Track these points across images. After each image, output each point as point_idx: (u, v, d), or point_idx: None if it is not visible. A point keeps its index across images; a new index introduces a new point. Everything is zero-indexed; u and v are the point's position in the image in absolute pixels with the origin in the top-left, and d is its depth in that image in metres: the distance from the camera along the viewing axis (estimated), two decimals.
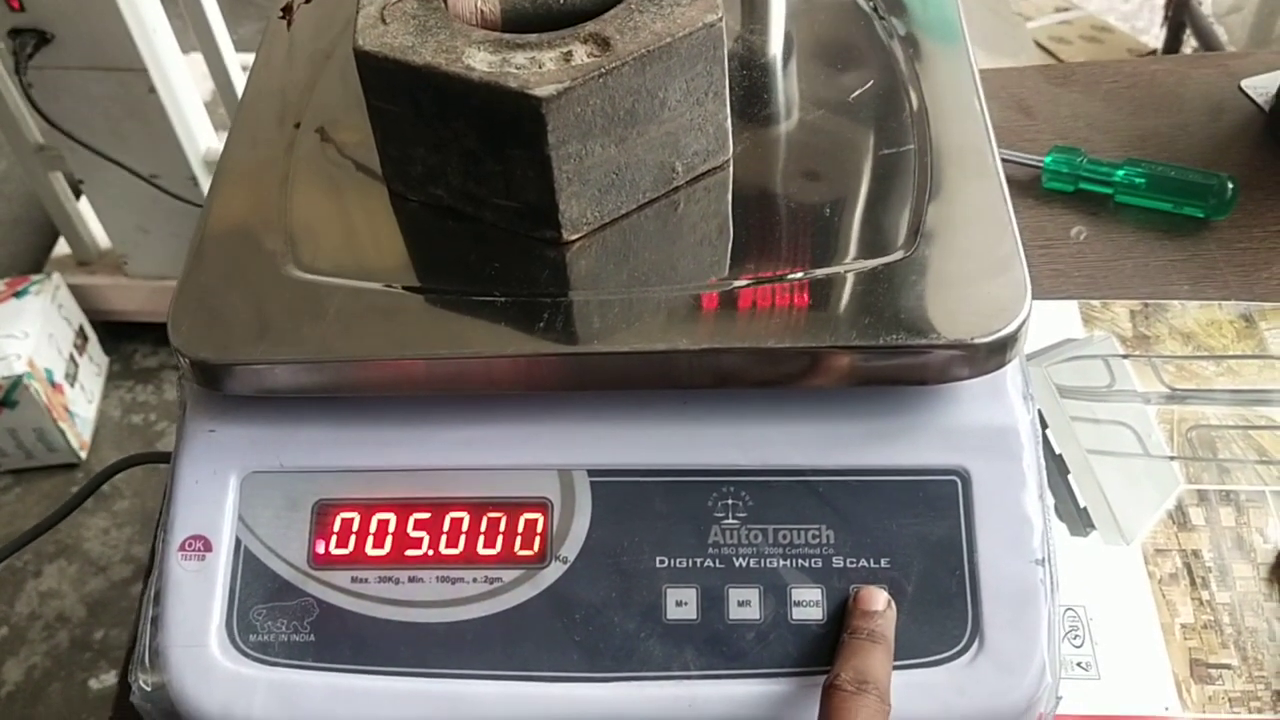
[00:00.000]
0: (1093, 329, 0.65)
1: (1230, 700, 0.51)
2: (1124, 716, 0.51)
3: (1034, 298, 0.47)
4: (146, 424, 1.74)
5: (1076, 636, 0.53)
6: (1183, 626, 0.53)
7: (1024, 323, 0.46)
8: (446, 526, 0.48)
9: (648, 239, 0.51)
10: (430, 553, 0.48)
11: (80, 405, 1.69)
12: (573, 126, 0.46)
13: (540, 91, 0.45)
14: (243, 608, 0.47)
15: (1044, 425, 0.61)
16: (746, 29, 0.59)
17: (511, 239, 0.50)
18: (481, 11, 0.50)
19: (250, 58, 1.78)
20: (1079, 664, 0.53)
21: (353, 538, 0.48)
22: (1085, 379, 0.62)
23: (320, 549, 0.48)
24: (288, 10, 0.55)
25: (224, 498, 0.48)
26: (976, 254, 0.48)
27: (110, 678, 1.48)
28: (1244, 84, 0.77)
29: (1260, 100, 0.76)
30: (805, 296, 0.47)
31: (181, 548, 0.48)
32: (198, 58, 1.53)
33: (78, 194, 1.70)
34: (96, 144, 1.49)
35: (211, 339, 0.48)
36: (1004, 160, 0.54)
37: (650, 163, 0.50)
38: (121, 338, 1.82)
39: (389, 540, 0.48)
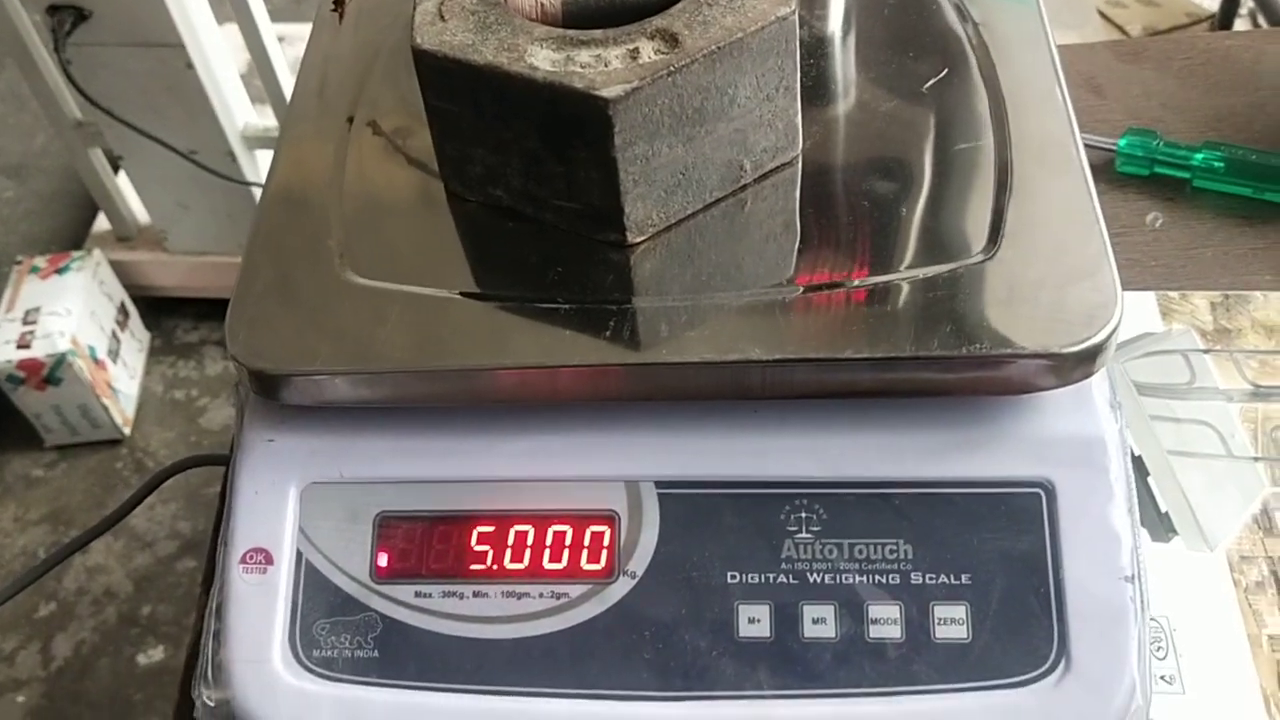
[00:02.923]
0: (1171, 322, 0.62)
1: None
2: None
3: (1114, 259, 0.45)
4: (189, 399, 1.74)
5: (1160, 649, 0.52)
6: (1270, 638, 0.52)
7: (1114, 330, 0.44)
8: (511, 540, 0.47)
9: (715, 240, 0.49)
10: (495, 567, 0.47)
11: (123, 381, 1.69)
12: (640, 127, 0.44)
13: (607, 92, 0.43)
14: (305, 622, 0.46)
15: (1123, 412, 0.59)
16: (813, 15, 0.57)
17: (574, 241, 0.49)
18: (542, 5, 0.48)
19: (286, 28, 1.76)
20: (1163, 677, 0.51)
21: (416, 550, 0.47)
22: (1165, 375, 0.60)
23: (383, 562, 0.47)
24: (339, 4, 0.53)
25: (284, 509, 0.47)
26: (1062, 255, 0.46)
27: (158, 653, 1.50)
28: None
29: None
30: (881, 303, 0.45)
31: (243, 560, 0.47)
32: (233, 28, 1.51)
33: (116, 169, 1.70)
34: (135, 120, 1.48)
35: (269, 348, 0.46)
36: None
37: (718, 161, 0.48)
38: (162, 313, 1.82)
39: (452, 554, 0.47)
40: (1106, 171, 0.69)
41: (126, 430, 1.68)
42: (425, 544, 0.47)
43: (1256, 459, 0.57)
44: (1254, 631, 0.52)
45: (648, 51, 0.44)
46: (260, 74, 1.54)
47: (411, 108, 0.51)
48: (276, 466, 0.48)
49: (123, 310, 1.73)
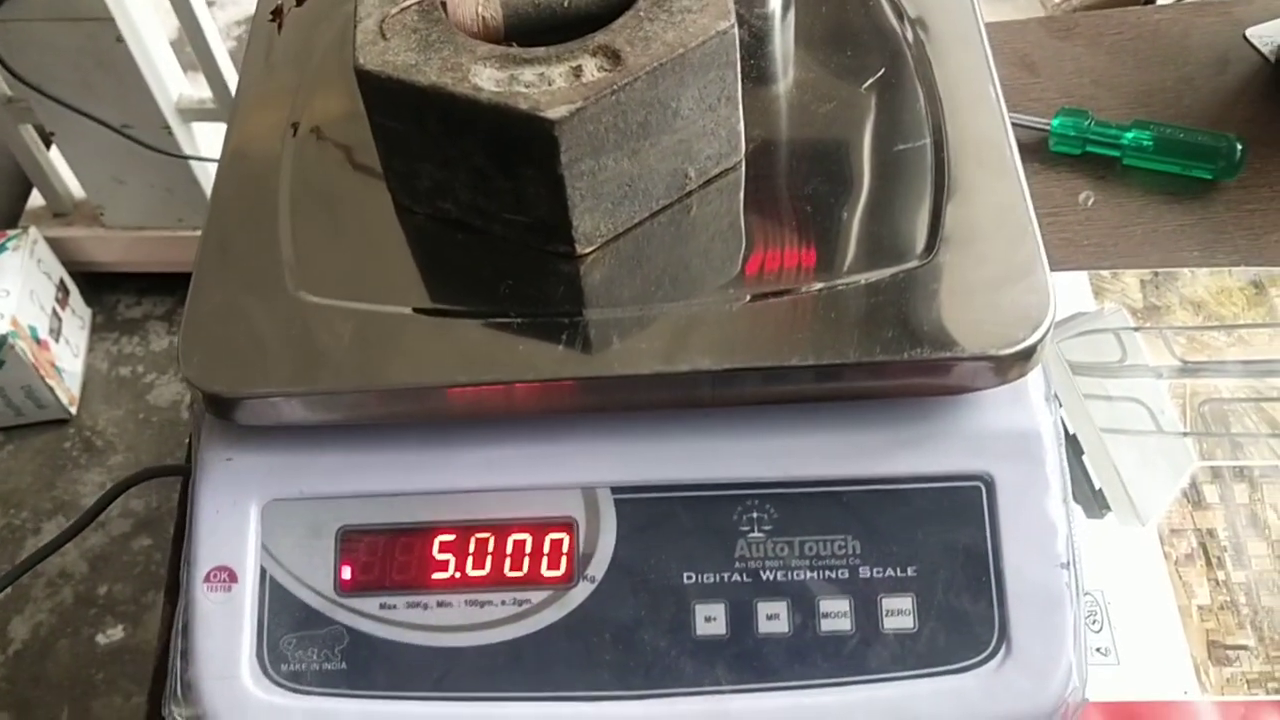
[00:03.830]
0: (1104, 301, 0.64)
1: (1248, 682, 0.52)
2: (1144, 702, 0.52)
3: (1046, 261, 0.46)
4: (135, 376, 1.72)
5: (1095, 622, 0.54)
6: (1200, 608, 0.54)
7: (1048, 331, 0.45)
8: (472, 548, 0.48)
9: (662, 246, 0.50)
10: (457, 575, 0.48)
11: (67, 360, 1.67)
12: (585, 144, 0.45)
13: (552, 113, 0.43)
14: (272, 637, 0.47)
15: (1059, 406, 0.61)
16: (751, 13, 0.57)
17: (523, 252, 0.49)
18: (483, 18, 0.48)
19: None
20: (1098, 649, 0.53)
21: (379, 563, 0.48)
22: (1097, 354, 0.62)
23: (346, 575, 0.48)
24: (277, 13, 0.53)
25: (246, 527, 0.48)
26: (998, 259, 0.47)
27: (118, 632, 1.50)
28: (1249, 33, 0.76)
29: (1266, 50, 0.75)
30: (825, 309, 0.47)
31: (207, 579, 0.48)
32: None
33: (49, 145, 1.66)
34: (66, 96, 1.45)
35: (223, 371, 0.47)
36: (1011, 124, 0.53)
37: (663, 171, 0.49)
38: (103, 288, 1.80)
39: (414, 565, 0.48)
40: (1040, 151, 0.71)
41: (73, 409, 1.67)
42: (388, 556, 0.48)
43: (1185, 434, 0.59)
44: (1184, 603, 0.55)
45: (590, 69, 0.45)
46: (190, 41, 1.51)
47: (356, 116, 0.51)
48: (236, 485, 0.48)
49: (62, 288, 1.70)
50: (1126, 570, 0.56)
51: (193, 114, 1.56)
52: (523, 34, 0.49)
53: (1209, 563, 0.55)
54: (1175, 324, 0.63)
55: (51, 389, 1.61)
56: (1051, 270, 0.47)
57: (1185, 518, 0.57)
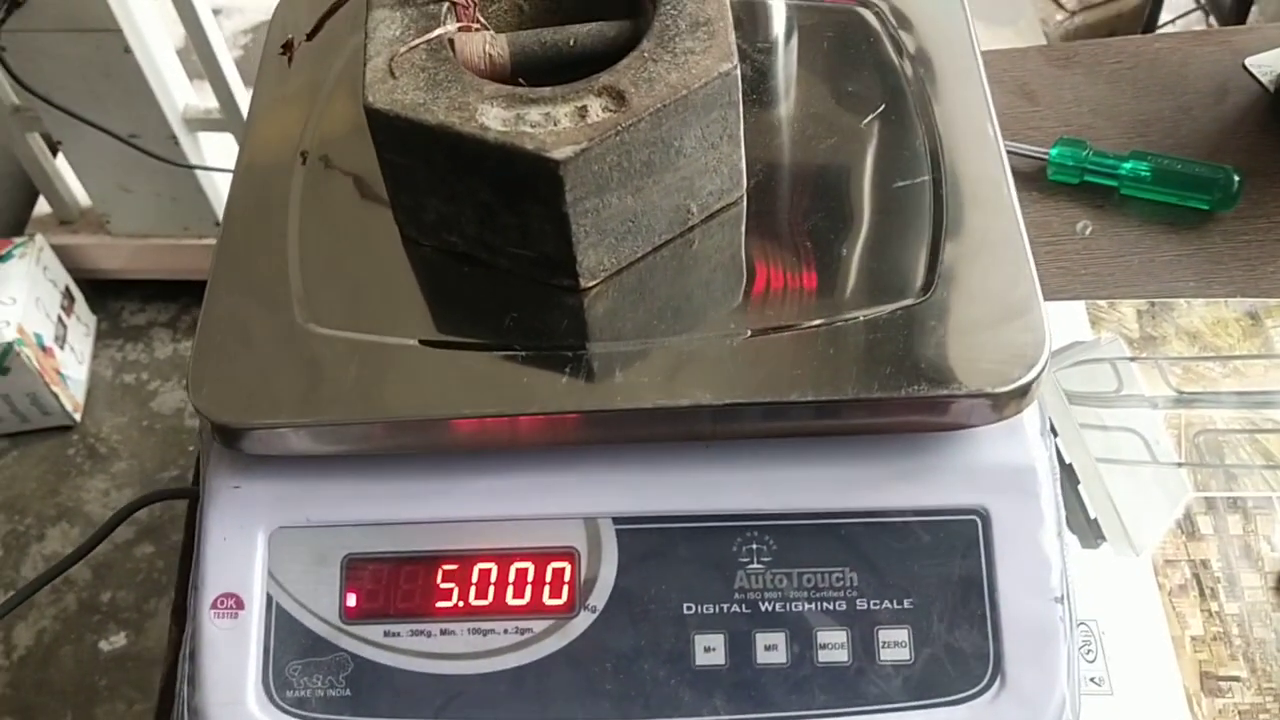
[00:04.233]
0: (1100, 330, 0.65)
1: (1240, 713, 0.53)
2: None
3: (1042, 299, 0.47)
4: (139, 383, 1.73)
5: (1089, 651, 0.55)
6: (1193, 639, 0.55)
7: (1043, 369, 0.46)
8: (475, 578, 0.49)
9: (664, 280, 0.51)
10: (460, 604, 0.48)
11: (71, 367, 1.68)
12: (590, 183, 0.46)
13: (558, 153, 0.44)
14: (278, 664, 0.48)
15: (1054, 433, 0.61)
16: (754, 48, 0.58)
17: (528, 285, 0.50)
18: (490, 56, 0.49)
19: (221, 0, 1.71)
20: (1092, 679, 0.54)
21: (383, 591, 0.49)
22: (1093, 384, 0.63)
23: (351, 603, 0.49)
24: (288, 47, 0.54)
25: (253, 554, 0.49)
26: (994, 297, 0.48)
27: (120, 639, 1.50)
28: (1248, 62, 0.76)
29: (1265, 79, 0.75)
30: (824, 345, 0.47)
31: (214, 605, 0.49)
32: (167, 3, 1.48)
33: (55, 153, 1.67)
34: (73, 105, 1.46)
35: (233, 401, 0.48)
36: (1009, 152, 0.54)
37: (666, 207, 0.50)
38: (108, 295, 1.81)
39: (419, 593, 0.49)
40: (1038, 180, 0.71)
41: (77, 416, 1.68)
42: (392, 584, 0.49)
43: (1180, 465, 0.60)
44: (1177, 633, 0.55)
45: (596, 110, 0.46)
46: (197, 50, 1.52)
47: (364, 149, 0.52)
48: (243, 512, 0.49)
49: (68, 295, 1.71)
50: (1120, 600, 0.56)
51: (199, 124, 1.57)
52: (529, 72, 0.50)
53: (1202, 594, 0.56)
54: (1171, 354, 0.64)
55: (56, 396, 1.62)
56: (1048, 299, 0.48)
57: (1179, 548, 0.58)
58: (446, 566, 0.49)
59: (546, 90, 0.46)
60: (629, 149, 0.46)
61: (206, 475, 0.51)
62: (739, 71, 0.47)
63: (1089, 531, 0.58)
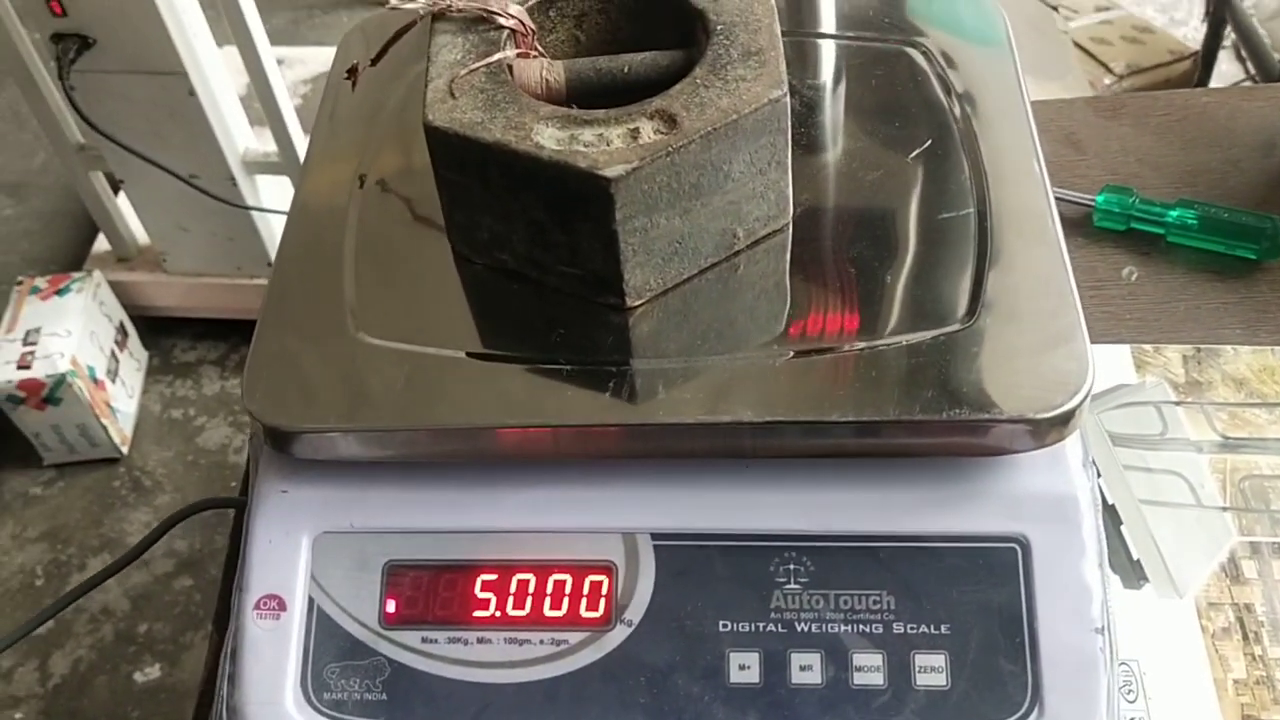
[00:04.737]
0: (1145, 374, 0.65)
1: None
2: None
3: (1086, 329, 0.47)
4: (186, 419, 1.76)
5: (1130, 692, 0.54)
6: (1235, 682, 0.54)
7: (1086, 396, 0.46)
8: (513, 588, 0.49)
9: (709, 303, 0.51)
10: (498, 614, 0.49)
11: (121, 401, 1.71)
12: (639, 203, 0.47)
13: (609, 172, 0.45)
14: (316, 666, 0.49)
15: (1097, 474, 0.61)
16: (803, 84, 0.59)
17: (576, 303, 0.51)
18: (547, 81, 0.51)
19: (285, 50, 1.79)
20: (1133, 719, 0.53)
21: (422, 598, 0.49)
22: (1138, 426, 0.63)
23: (391, 609, 0.49)
24: (353, 72, 0.56)
25: (297, 558, 0.50)
26: (1038, 325, 0.48)
27: (155, 671, 1.51)
28: None
29: None
30: (867, 367, 0.48)
31: (257, 606, 0.49)
32: (232, 50, 1.53)
33: (117, 191, 1.72)
34: (137, 145, 1.50)
35: (284, 405, 0.49)
36: (1055, 198, 0.54)
37: (713, 230, 0.51)
38: (160, 333, 1.84)
39: (457, 601, 0.49)
40: (1084, 226, 0.72)
41: (124, 449, 1.70)
42: (432, 592, 0.49)
43: (1225, 509, 0.60)
44: (1220, 676, 0.54)
45: (647, 131, 0.47)
46: (259, 96, 1.57)
47: (420, 171, 0.54)
48: (290, 517, 0.50)
49: (121, 330, 1.75)
50: (1163, 641, 0.56)
51: (257, 166, 1.61)
52: (584, 97, 0.51)
53: (1245, 637, 0.55)
54: (1217, 399, 0.64)
55: (105, 428, 1.65)
56: (1093, 343, 0.48)
57: (1223, 591, 0.57)
58: (485, 576, 0.49)
59: (600, 112, 0.48)
60: (679, 170, 0.47)
61: (255, 480, 0.52)
62: (788, 100, 0.49)
63: (1131, 572, 0.58)
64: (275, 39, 1.59)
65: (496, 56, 0.50)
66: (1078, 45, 1.45)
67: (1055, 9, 1.38)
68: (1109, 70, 1.40)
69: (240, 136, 1.59)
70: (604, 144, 0.46)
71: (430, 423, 0.48)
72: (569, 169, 0.46)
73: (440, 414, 0.48)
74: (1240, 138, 0.76)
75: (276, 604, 0.49)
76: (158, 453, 1.72)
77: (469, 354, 0.50)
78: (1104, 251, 0.71)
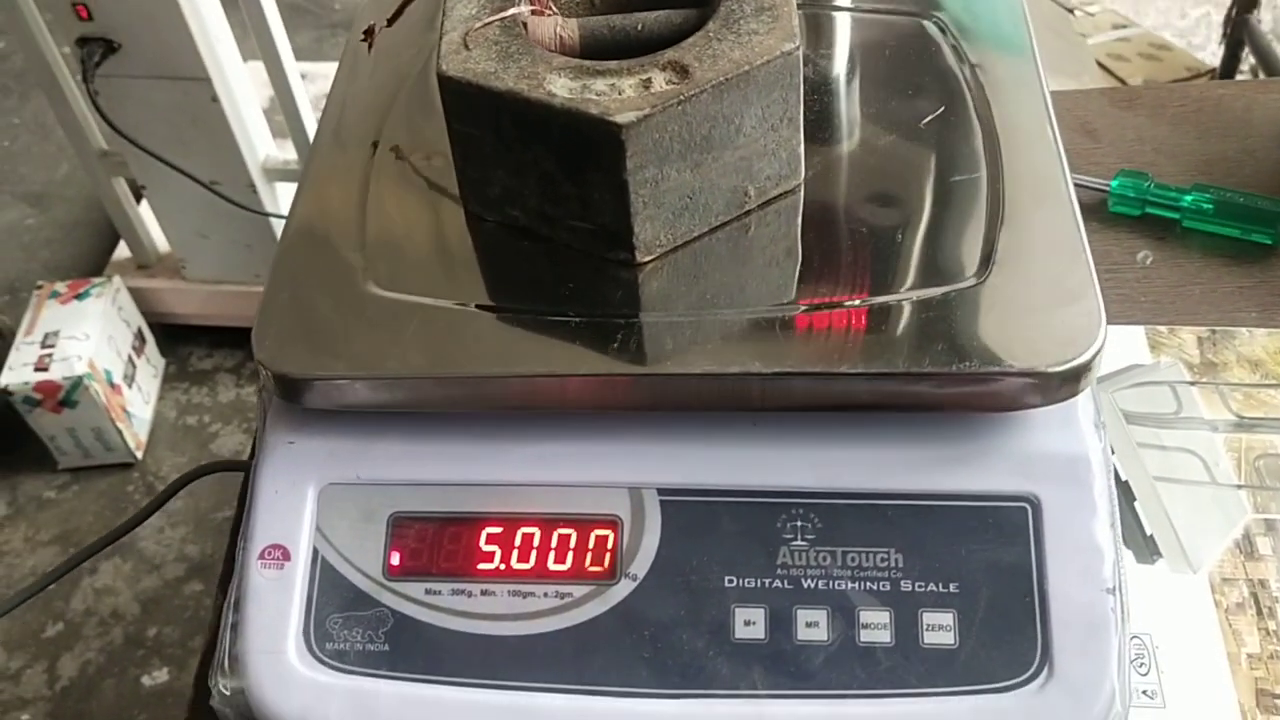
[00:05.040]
0: (1160, 355, 0.65)
1: None
2: None
3: (1099, 286, 0.47)
4: (201, 425, 1.77)
5: (1142, 665, 0.53)
6: (1249, 656, 0.53)
7: (1098, 352, 0.46)
8: (518, 541, 0.49)
9: (719, 261, 0.51)
10: (502, 567, 0.49)
11: (137, 406, 1.72)
12: (650, 152, 0.47)
13: (620, 118, 0.45)
14: (319, 616, 0.48)
15: (1110, 451, 0.60)
16: (817, 53, 0.59)
17: (585, 259, 0.51)
18: (560, 37, 0.51)
19: (309, 66, 1.81)
20: (1144, 692, 0.52)
21: (427, 550, 0.49)
22: (1152, 405, 0.62)
23: (395, 560, 0.49)
24: (369, 33, 0.56)
25: (302, 508, 0.50)
26: (1049, 281, 0.48)
27: (163, 675, 1.51)
28: None
29: None
30: (877, 321, 0.48)
31: (261, 556, 0.49)
32: (258, 65, 1.55)
33: (139, 199, 1.74)
34: (159, 150, 1.52)
35: (294, 354, 0.49)
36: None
37: (724, 187, 0.51)
38: (178, 340, 1.85)
39: (461, 553, 0.49)
40: (1099, 211, 0.72)
41: (139, 454, 1.71)
42: (436, 544, 0.49)
43: (1240, 486, 0.59)
44: (1233, 650, 0.54)
45: (659, 82, 0.47)
46: (283, 109, 1.59)
47: (433, 134, 0.54)
48: (296, 468, 0.50)
49: (139, 336, 1.76)
50: (1176, 616, 0.55)
51: (277, 174, 1.63)
52: (597, 54, 0.51)
53: (1260, 612, 0.54)
54: (1232, 380, 0.63)
55: (120, 433, 1.66)
56: (1107, 323, 0.48)
57: (1237, 567, 0.56)
58: (490, 529, 0.49)
59: (612, 64, 0.48)
60: (690, 121, 0.47)
61: (263, 431, 0.52)
62: (801, 53, 0.49)
63: (1145, 548, 0.57)
64: (299, 55, 1.61)
65: (511, 11, 0.50)
66: (1098, 64, 1.45)
67: (1071, 11, 1.39)
68: (1123, 84, 1.40)
69: (261, 144, 1.61)
70: (616, 93, 0.47)
71: (438, 371, 0.48)
72: (580, 116, 0.46)
73: (448, 363, 0.48)
74: (1256, 128, 0.76)
75: (281, 554, 0.49)
76: (172, 458, 1.73)
77: (478, 306, 0.50)
78: (1119, 236, 0.70)
